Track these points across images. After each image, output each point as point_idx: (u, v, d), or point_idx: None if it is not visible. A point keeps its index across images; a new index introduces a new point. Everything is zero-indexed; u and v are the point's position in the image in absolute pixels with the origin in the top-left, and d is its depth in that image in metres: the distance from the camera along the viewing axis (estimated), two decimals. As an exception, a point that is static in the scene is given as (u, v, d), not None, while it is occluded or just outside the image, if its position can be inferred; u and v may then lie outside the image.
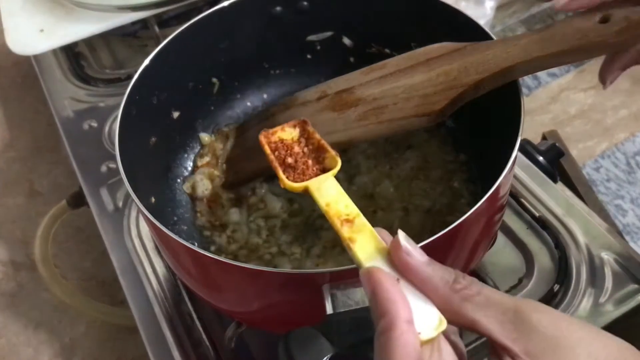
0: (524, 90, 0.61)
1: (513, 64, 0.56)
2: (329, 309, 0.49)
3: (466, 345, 0.66)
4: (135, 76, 0.67)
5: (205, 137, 0.80)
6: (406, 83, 0.63)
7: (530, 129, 0.74)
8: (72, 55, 1.09)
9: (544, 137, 0.95)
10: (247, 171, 0.75)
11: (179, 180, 0.78)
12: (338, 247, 0.68)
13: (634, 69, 0.80)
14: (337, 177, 0.52)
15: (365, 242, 0.42)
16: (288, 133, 0.57)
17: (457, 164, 0.74)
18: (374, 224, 0.44)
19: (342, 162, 0.54)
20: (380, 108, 0.64)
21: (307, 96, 0.72)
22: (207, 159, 0.79)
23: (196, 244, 0.72)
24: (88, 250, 1.05)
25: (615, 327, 0.68)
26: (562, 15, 1.58)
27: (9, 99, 1.29)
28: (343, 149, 0.67)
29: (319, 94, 0.70)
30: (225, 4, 0.74)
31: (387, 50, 0.79)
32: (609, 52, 0.56)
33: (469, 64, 0.59)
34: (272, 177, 0.73)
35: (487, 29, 0.65)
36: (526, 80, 1.49)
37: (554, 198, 0.79)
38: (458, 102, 0.60)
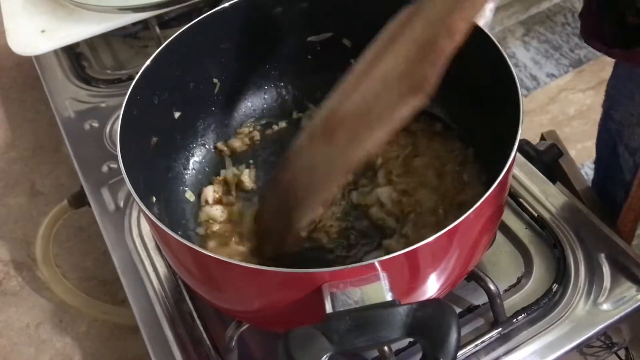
0: (523, 91, 0.61)
1: None
2: (329, 308, 0.49)
3: (465, 345, 0.66)
4: (137, 76, 0.67)
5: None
6: (379, 73, 0.57)
7: (529, 129, 0.74)
8: (73, 56, 1.09)
9: (542, 138, 0.95)
10: (275, 244, 0.69)
11: (179, 180, 0.78)
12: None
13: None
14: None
15: None
16: None
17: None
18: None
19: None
20: (365, 113, 0.58)
21: (299, 143, 0.66)
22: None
23: (197, 243, 0.73)
24: (89, 249, 1.05)
25: (613, 327, 0.69)
26: (560, 17, 1.59)
27: (10, 99, 1.29)
28: (350, 176, 0.66)
29: (309, 137, 0.65)
30: (225, 4, 0.74)
31: (386, 51, 0.80)
32: None
33: (430, 16, 0.54)
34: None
35: (486, 30, 0.66)
36: (525, 81, 1.49)
37: (552, 198, 0.79)
38: (437, 60, 0.54)
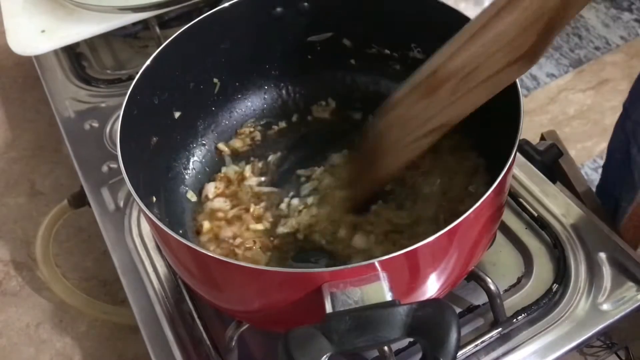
0: (523, 91, 0.61)
1: None
2: (329, 308, 0.49)
3: (465, 345, 0.67)
4: (137, 76, 0.67)
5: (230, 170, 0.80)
6: (487, 39, 0.59)
7: (529, 129, 0.74)
8: (74, 56, 1.09)
9: (542, 138, 0.95)
10: (365, 189, 0.73)
11: (180, 179, 0.78)
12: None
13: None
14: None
15: None
16: None
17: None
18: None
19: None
20: (469, 74, 0.60)
21: (397, 96, 0.68)
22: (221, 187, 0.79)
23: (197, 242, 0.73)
24: (89, 249, 1.05)
25: (613, 327, 0.69)
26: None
27: (10, 99, 1.29)
28: (441, 134, 0.65)
29: (408, 89, 0.67)
30: (226, 4, 0.74)
31: (387, 51, 0.80)
32: None
33: None
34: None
35: (486, 30, 0.66)
36: (525, 81, 1.49)
37: (552, 198, 0.79)
38: (548, 34, 0.55)
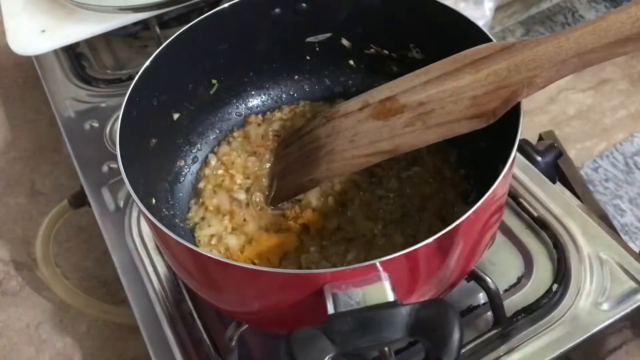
0: (523, 90, 0.60)
1: (567, 58, 0.54)
2: (331, 309, 0.49)
3: (465, 345, 0.67)
4: (136, 78, 0.67)
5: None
6: (453, 86, 0.61)
7: (529, 129, 0.74)
8: (74, 56, 1.09)
9: (540, 138, 0.95)
10: (291, 186, 0.73)
11: (179, 181, 0.78)
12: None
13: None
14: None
15: None
16: None
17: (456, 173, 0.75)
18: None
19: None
20: (426, 113, 0.62)
21: (349, 107, 0.69)
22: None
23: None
24: (89, 249, 1.05)
25: (613, 327, 0.69)
26: (561, 17, 1.58)
27: (10, 99, 1.29)
28: (388, 157, 0.66)
29: (361, 104, 0.68)
30: (225, 5, 0.74)
31: (385, 51, 0.80)
32: None
33: (519, 62, 0.57)
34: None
35: (486, 30, 0.66)
36: (525, 81, 1.49)
37: (552, 198, 0.79)
38: (511, 101, 0.57)
